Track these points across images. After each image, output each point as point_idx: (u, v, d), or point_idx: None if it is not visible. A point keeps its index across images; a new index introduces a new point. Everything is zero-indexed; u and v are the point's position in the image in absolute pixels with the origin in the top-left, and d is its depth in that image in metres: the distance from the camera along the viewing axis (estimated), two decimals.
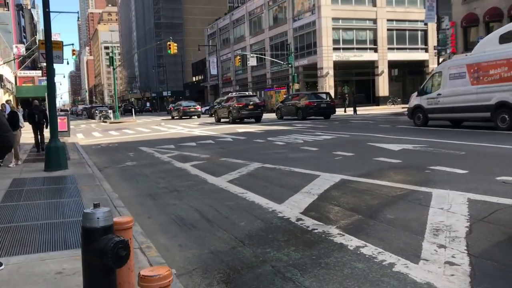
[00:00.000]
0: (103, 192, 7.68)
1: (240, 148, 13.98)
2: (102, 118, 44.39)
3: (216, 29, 73.95)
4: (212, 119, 34.33)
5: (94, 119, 50.60)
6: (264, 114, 29.92)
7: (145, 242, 4.82)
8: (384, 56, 48.61)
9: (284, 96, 47.42)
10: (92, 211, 2.59)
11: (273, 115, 35.11)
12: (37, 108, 14.96)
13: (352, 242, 4.61)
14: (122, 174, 10.26)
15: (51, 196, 7.44)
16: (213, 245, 4.84)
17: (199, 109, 42.02)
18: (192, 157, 12.25)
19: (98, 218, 2.56)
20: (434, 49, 35.60)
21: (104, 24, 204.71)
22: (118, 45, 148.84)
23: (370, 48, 48.75)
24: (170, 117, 45.19)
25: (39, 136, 15.04)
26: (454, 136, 13.95)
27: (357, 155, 10.66)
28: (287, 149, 12.92)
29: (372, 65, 49.18)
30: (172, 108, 45.71)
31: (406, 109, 23.00)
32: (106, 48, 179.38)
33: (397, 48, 49.54)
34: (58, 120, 18.80)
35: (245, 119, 29.32)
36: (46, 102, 26.19)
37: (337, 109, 31.02)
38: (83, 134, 25.32)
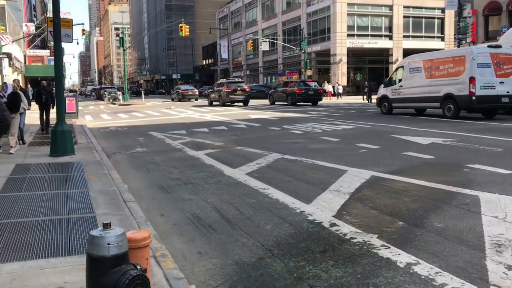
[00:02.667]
0: (112, 182, 7.06)
1: (256, 136, 13.30)
2: (111, 100, 43.78)
3: (227, 12, 72.73)
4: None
5: (103, 100, 50.05)
6: (261, 100, 33.53)
7: (159, 248, 4.19)
8: (399, 44, 47.43)
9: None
10: (101, 233, 1.93)
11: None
12: (44, 88, 15.07)
13: (400, 257, 3.94)
14: (132, 162, 9.64)
15: (55, 186, 6.83)
16: (237, 254, 4.20)
17: (196, 93, 45.28)
18: (205, 145, 11.60)
19: (109, 244, 1.91)
20: (454, 38, 34.44)
21: (115, 5, 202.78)
22: (128, 26, 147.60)
23: (385, 35, 47.58)
24: (170, 100, 47.06)
25: (45, 116, 15.10)
26: (485, 130, 13.15)
27: (383, 148, 9.94)
28: (306, 138, 12.21)
29: (386, 53, 48.05)
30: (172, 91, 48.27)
31: None
32: (116, 29, 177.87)
33: (413, 36, 48.30)
34: (67, 101, 18.29)
35: (235, 103, 32.37)
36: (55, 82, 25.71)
37: (354, 97, 30.73)
38: (92, 116, 24.75)
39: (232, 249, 4.34)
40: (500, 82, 16.01)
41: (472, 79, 15.76)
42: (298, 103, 30.27)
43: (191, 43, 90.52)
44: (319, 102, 31.35)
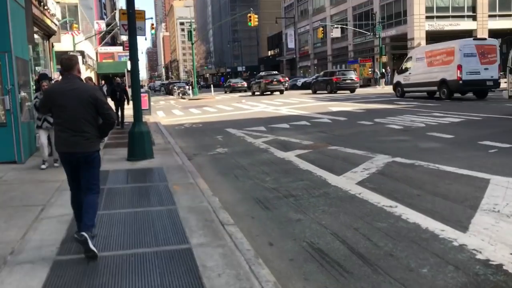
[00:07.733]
0: (201, 195, 5.98)
1: (347, 132, 11.81)
2: (180, 95, 43.75)
3: (293, 0, 70.82)
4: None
5: (172, 95, 50.29)
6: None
7: None
8: (484, 25, 43.35)
9: (370, 69, 44.80)
10: None
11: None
12: (118, 85, 15.47)
13: None
14: (216, 165, 8.57)
15: (137, 201, 5.85)
16: None
17: (245, 85, 49.51)
18: (292, 144, 10.32)
19: None
20: None
21: (179, 0, 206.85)
22: (193, 20, 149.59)
23: (468, 16, 43.69)
24: (224, 92, 51.62)
25: (120, 112, 15.35)
26: None
27: None
28: (410, 135, 10.54)
29: (469, 35, 43.96)
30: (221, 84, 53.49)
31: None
32: (181, 24, 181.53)
33: (500, 15, 43.95)
34: None
35: (273, 92, 37.80)
36: (126, 78, 25.57)
37: None
38: (164, 112, 24.31)
39: None
40: (485, 69, 19.45)
41: (459, 67, 19.34)
42: (337, 91, 33.65)
43: (256, 34, 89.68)
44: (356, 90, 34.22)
